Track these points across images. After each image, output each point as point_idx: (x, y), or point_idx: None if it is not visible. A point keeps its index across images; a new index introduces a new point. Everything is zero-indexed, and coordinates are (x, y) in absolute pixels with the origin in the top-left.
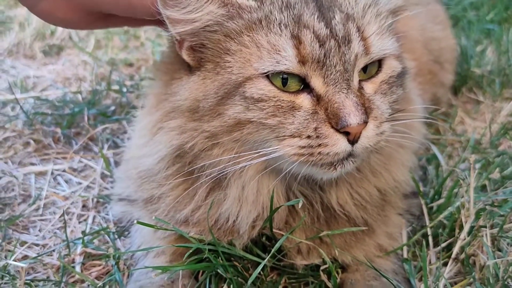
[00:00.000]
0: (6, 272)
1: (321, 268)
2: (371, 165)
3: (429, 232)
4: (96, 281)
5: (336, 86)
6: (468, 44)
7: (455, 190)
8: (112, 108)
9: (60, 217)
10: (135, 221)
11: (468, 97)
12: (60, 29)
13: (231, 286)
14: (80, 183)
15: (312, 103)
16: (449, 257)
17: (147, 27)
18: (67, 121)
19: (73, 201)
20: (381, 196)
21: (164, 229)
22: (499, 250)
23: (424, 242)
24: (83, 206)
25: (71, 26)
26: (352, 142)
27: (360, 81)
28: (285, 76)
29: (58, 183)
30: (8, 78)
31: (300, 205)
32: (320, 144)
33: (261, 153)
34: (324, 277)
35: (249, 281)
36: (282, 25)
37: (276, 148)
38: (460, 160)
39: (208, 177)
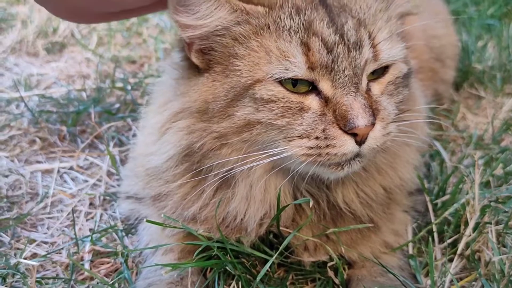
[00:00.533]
0: (17, 270)
1: (328, 264)
2: (377, 163)
3: (434, 229)
4: (106, 279)
5: (344, 89)
6: (469, 39)
7: (459, 186)
8: (117, 105)
9: (68, 215)
10: (144, 220)
11: (470, 92)
12: (62, 26)
13: (240, 282)
14: (86, 181)
15: (320, 104)
16: (454, 253)
17: (149, 24)
18: (72, 119)
19: (80, 199)
20: (387, 194)
21: (173, 226)
22: (504, 246)
23: (429, 239)
24: (90, 204)
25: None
26: (360, 143)
27: (367, 82)
28: (294, 80)
29: (65, 181)
30: (11, 76)
31: (311, 204)
32: (328, 145)
33: (269, 153)
34: (331, 273)
35: (258, 278)
36: (292, 31)
37: (285, 149)
38: (463, 157)
39: (216, 177)
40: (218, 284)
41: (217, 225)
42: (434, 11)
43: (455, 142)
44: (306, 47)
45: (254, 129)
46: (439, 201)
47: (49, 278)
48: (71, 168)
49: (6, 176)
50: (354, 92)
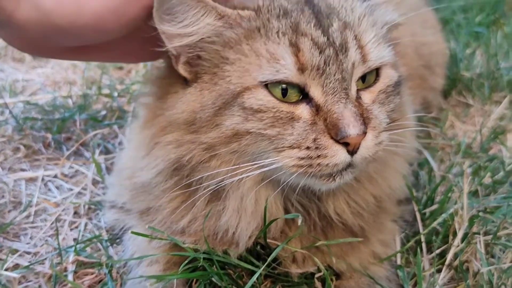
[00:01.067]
0: None
1: (316, 276)
2: (367, 172)
3: (423, 239)
4: None
5: (335, 95)
6: (457, 47)
7: (448, 196)
8: (103, 112)
9: (51, 224)
10: (129, 231)
11: (458, 100)
12: None
13: None
14: (71, 189)
15: (311, 113)
16: (442, 263)
17: None
18: (57, 126)
19: (64, 208)
20: (377, 203)
21: (159, 238)
22: (493, 257)
23: (417, 249)
24: (75, 213)
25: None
26: (352, 152)
27: (358, 90)
28: (284, 86)
29: (49, 189)
30: None
31: (300, 221)
32: (319, 155)
33: (259, 164)
34: (318, 284)
35: None
36: (280, 33)
37: (275, 160)
38: (452, 165)
39: (206, 190)
40: None
41: (204, 236)
42: (422, 19)
43: (444, 151)
44: (295, 48)
45: (243, 139)
46: (427, 210)
47: None
48: (55, 176)
49: None
50: (344, 99)
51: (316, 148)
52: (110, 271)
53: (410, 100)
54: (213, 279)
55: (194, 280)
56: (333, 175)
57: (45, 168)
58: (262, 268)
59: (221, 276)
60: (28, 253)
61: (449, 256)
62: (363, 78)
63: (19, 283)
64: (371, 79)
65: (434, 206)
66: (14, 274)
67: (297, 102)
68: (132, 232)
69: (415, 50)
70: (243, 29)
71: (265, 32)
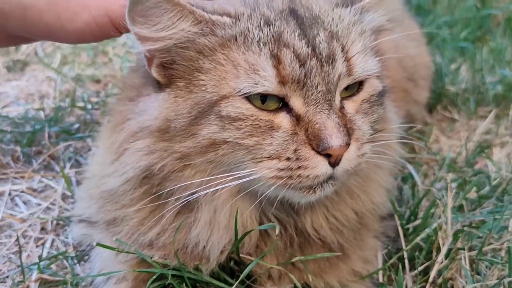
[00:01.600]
0: None
1: None
2: (348, 186)
3: (405, 255)
4: None
5: (317, 106)
6: (443, 62)
7: (432, 211)
8: (76, 125)
9: (16, 241)
10: (95, 244)
11: (443, 115)
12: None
13: None
14: (39, 204)
15: (291, 123)
16: (426, 281)
17: (116, 43)
18: (27, 139)
19: (30, 224)
20: (358, 219)
21: (125, 251)
22: (478, 273)
23: (400, 266)
24: (42, 228)
25: None
26: (333, 164)
27: (341, 100)
28: (263, 96)
29: (16, 204)
30: None
31: (277, 231)
32: (300, 167)
33: (236, 175)
34: None
35: None
36: (261, 43)
37: (253, 171)
38: (436, 179)
39: (178, 201)
40: None
41: (174, 251)
42: (406, 30)
43: (428, 165)
44: (276, 60)
45: (219, 149)
46: (410, 225)
47: None
48: (23, 190)
49: None
50: (327, 109)
51: (297, 159)
52: None
53: (394, 111)
54: None
55: None
56: (314, 187)
57: (12, 182)
58: (234, 286)
59: None
60: None
61: (433, 273)
62: (346, 87)
63: None
64: (355, 88)
65: (418, 221)
66: None
67: (276, 110)
68: (97, 244)
69: (398, 62)
70: (217, 37)
71: (243, 41)
